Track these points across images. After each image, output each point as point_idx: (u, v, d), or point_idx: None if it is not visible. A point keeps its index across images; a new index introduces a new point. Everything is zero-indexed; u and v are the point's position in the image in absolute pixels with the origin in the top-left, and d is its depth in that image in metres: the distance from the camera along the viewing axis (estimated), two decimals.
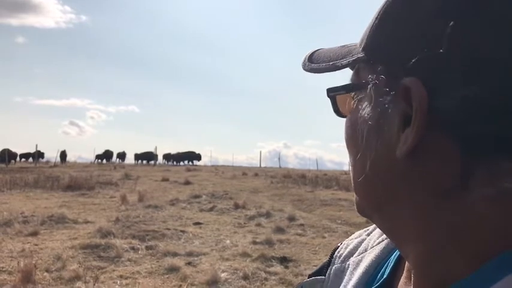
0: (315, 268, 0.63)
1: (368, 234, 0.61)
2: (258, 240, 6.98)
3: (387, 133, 0.39)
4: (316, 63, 0.48)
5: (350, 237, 0.63)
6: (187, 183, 15.54)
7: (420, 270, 0.41)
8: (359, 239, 0.61)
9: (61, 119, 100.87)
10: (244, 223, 8.73)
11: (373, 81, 0.40)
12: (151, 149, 39.07)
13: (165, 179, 16.85)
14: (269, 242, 6.84)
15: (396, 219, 0.41)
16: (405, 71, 0.37)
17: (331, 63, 0.45)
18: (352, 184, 0.46)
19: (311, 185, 15.93)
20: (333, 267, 0.60)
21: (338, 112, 0.47)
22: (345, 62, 0.44)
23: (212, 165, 36.87)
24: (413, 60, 0.37)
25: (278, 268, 5.62)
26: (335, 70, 0.45)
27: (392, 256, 0.52)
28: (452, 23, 0.35)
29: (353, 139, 0.44)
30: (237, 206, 10.31)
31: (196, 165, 36.27)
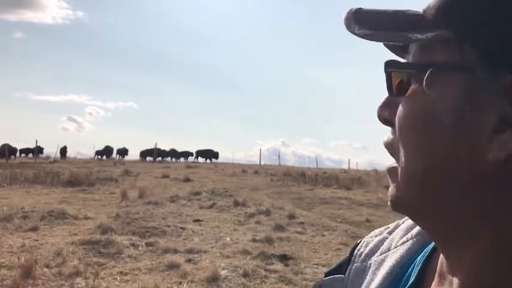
0: (332, 266, 0.61)
1: (389, 233, 0.57)
2: (257, 237, 6.98)
3: (475, 131, 0.34)
4: (370, 28, 0.40)
5: (369, 235, 0.60)
6: (187, 180, 15.53)
7: (471, 276, 0.38)
8: (380, 237, 0.57)
9: (59, 114, 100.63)
10: (244, 220, 8.73)
11: (463, 67, 0.35)
12: (151, 146, 39.06)
13: (165, 176, 16.84)
14: (269, 240, 6.84)
15: (456, 220, 0.38)
16: (510, 63, 0.32)
17: (399, 33, 0.38)
18: (403, 176, 0.40)
19: (311, 183, 15.93)
20: (354, 266, 0.57)
21: (391, 90, 0.41)
22: (420, 36, 0.37)
23: (212, 163, 36.88)
24: None
25: (278, 266, 5.63)
26: (404, 43, 0.39)
27: (419, 257, 0.49)
28: None
29: (416, 127, 0.38)
30: (237, 204, 10.31)
31: (196, 163, 36.28)
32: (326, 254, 6.29)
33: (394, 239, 0.55)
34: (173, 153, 41.28)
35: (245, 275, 5.18)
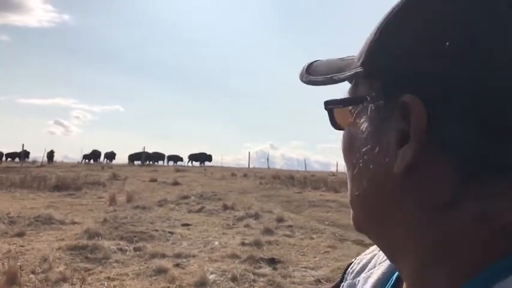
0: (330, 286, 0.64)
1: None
2: (246, 241, 6.99)
3: (384, 149, 0.39)
4: (314, 75, 0.47)
5: (364, 252, 0.63)
6: (175, 183, 15.50)
7: (413, 287, 0.41)
8: (371, 255, 0.60)
9: (46, 118, 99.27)
10: (233, 224, 8.73)
11: (370, 97, 0.40)
12: (139, 149, 38.81)
13: (153, 180, 16.77)
14: (258, 243, 6.85)
15: (391, 236, 0.41)
16: (404, 88, 0.37)
17: (328, 76, 0.45)
18: (349, 198, 0.46)
19: (299, 186, 15.99)
20: (345, 283, 0.60)
21: (335, 125, 0.47)
22: (342, 76, 0.44)
23: (201, 166, 36.78)
24: (412, 78, 0.37)
25: (266, 270, 5.63)
26: (332, 83, 0.45)
27: (396, 274, 0.51)
28: (457, 42, 0.35)
29: (351, 153, 0.44)
30: (225, 207, 10.30)
31: (184, 166, 36.14)
32: (314, 257, 6.30)
33: (380, 255, 0.57)
34: (160, 156, 41.01)
35: (233, 279, 5.17)
